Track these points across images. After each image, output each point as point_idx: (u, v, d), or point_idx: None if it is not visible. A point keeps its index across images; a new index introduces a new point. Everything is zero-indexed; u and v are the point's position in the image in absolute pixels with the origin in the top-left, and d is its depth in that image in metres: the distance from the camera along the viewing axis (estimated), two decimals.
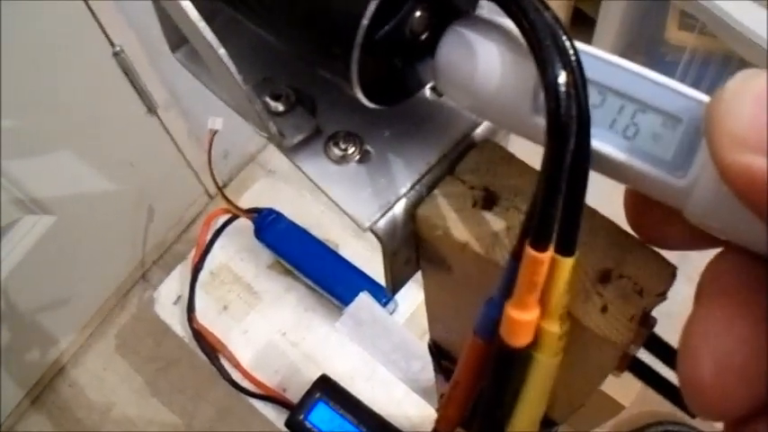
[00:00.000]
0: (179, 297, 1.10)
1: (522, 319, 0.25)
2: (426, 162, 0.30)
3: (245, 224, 1.07)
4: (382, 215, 0.29)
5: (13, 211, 1.25)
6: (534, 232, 0.24)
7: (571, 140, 0.22)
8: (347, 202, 0.29)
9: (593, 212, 0.29)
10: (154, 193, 1.49)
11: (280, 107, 0.30)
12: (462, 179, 0.29)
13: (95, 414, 1.51)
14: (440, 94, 0.31)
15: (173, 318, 1.10)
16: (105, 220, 1.42)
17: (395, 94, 0.28)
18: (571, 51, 0.23)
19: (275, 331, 1.06)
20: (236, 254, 1.11)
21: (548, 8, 0.23)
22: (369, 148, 0.30)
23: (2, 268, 1.26)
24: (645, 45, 1.55)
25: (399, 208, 0.29)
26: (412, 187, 0.29)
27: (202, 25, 0.27)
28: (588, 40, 1.60)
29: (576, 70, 0.23)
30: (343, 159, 0.30)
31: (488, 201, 0.29)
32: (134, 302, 1.58)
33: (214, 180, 1.01)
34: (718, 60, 1.43)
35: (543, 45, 0.22)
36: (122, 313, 1.59)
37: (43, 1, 1.05)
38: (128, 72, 1.25)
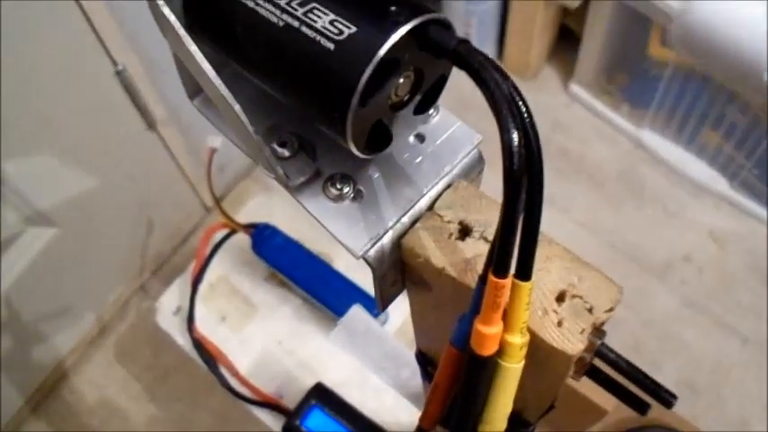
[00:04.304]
0: (179, 308, 1.15)
1: (487, 333, 0.30)
2: (409, 200, 0.35)
3: (242, 238, 1.12)
4: (372, 245, 0.34)
5: (17, 223, 1.30)
6: (495, 263, 0.29)
7: (523, 191, 0.27)
8: (343, 235, 0.34)
9: (551, 241, 0.34)
10: (153, 206, 1.54)
11: (285, 153, 0.35)
12: (440, 214, 0.35)
13: (95, 420, 1.55)
14: (421, 141, 0.36)
15: (173, 328, 1.14)
16: (106, 232, 1.46)
17: (381, 143, 0.34)
18: (526, 116, 0.28)
19: (272, 341, 1.11)
20: (234, 266, 1.15)
21: (507, 78, 0.28)
22: (361, 188, 0.35)
23: (6, 278, 1.31)
24: (629, 61, 1.60)
25: (387, 239, 0.34)
26: (397, 221, 0.35)
27: (219, 83, 0.32)
28: (574, 56, 1.65)
29: (530, 132, 0.28)
30: (339, 198, 0.35)
31: (462, 232, 0.34)
32: (133, 312, 1.62)
33: (214, 197, 1.06)
34: (699, 76, 1.48)
35: (501, 113, 0.27)
36: (121, 323, 1.63)
37: (48, 24, 1.10)
38: (129, 90, 1.30)
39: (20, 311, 1.37)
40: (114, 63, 1.25)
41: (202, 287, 1.14)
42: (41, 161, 1.24)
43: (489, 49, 1.71)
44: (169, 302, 1.16)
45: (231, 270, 1.15)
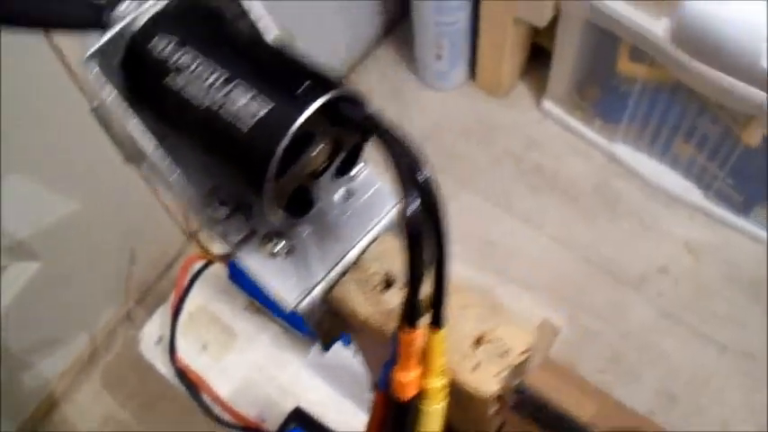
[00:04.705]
0: (161, 337, 1.17)
1: (404, 380, 0.33)
2: (338, 254, 0.38)
3: (220, 268, 1.14)
4: (303, 298, 0.37)
5: (1, 258, 1.32)
6: (404, 317, 0.32)
7: (424, 251, 0.30)
8: (277, 289, 0.37)
9: (468, 290, 0.37)
10: (135, 235, 1.56)
11: (224, 213, 0.38)
12: (366, 267, 0.38)
13: None
14: (349, 196, 0.39)
15: (156, 357, 1.16)
16: (89, 263, 1.48)
17: (304, 207, 0.36)
18: (427, 183, 0.30)
19: (252, 367, 1.13)
20: (214, 296, 1.17)
21: (409, 150, 0.31)
22: (294, 244, 0.38)
23: None
24: (599, 76, 1.63)
25: (317, 292, 0.37)
26: (326, 275, 0.37)
27: (157, 157, 0.35)
28: (546, 73, 1.68)
29: (431, 198, 0.30)
30: (273, 254, 0.38)
31: (386, 284, 0.37)
32: (119, 340, 1.64)
33: (191, 232, 1.08)
34: (668, 90, 1.51)
35: (402, 182, 0.30)
36: (109, 351, 1.65)
37: (23, 60, 1.12)
38: (106, 126, 1.32)
39: (8, 343, 1.39)
40: (90, 100, 1.27)
41: (183, 317, 1.16)
42: (22, 194, 1.26)
43: (461, 69, 1.74)
44: (151, 333, 1.18)
45: (210, 299, 1.17)
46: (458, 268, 1.20)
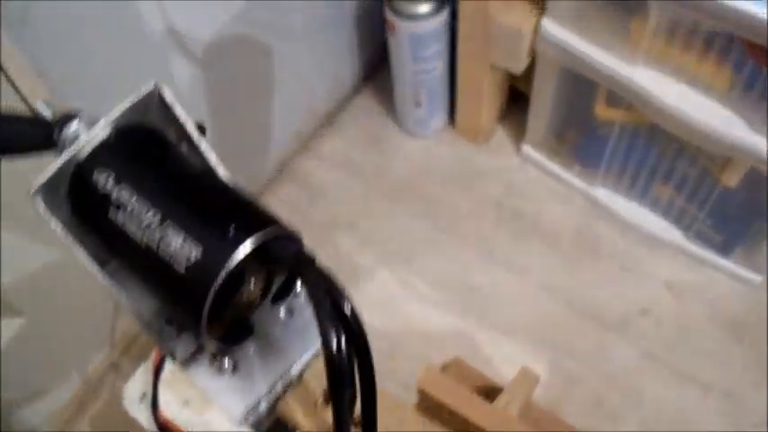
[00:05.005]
0: (144, 394, 1.17)
1: None
2: (281, 370, 0.39)
3: None
4: (249, 414, 0.38)
5: None
6: None
7: (348, 387, 0.31)
8: (225, 403, 0.39)
9: (403, 407, 0.39)
10: None
11: (172, 332, 0.40)
12: (308, 382, 0.39)
13: None
14: (291, 314, 0.41)
15: (140, 413, 1.16)
16: (75, 316, 1.49)
17: (245, 332, 0.38)
18: (350, 320, 0.32)
19: (233, 423, 1.14)
20: None
21: (333, 288, 0.32)
22: (239, 361, 0.40)
23: None
24: (577, 121, 1.64)
25: (262, 406, 0.39)
26: (270, 390, 0.39)
27: (105, 279, 0.36)
28: (525, 117, 1.69)
29: (353, 331, 0.32)
30: (220, 371, 0.39)
31: (327, 399, 0.39)
32: (106, 390, 1.64)
33: None
34: (646, 133, 1.53)
35: (323, 324, 0.31)
36: (95, 401, 1.65)
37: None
38: None
39: None
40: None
41: (164, 374, 1.16)
42: (3, 247, 1.27)
43: (441, 116, 1.76)
44: (135, 389, 1.18)
45: None
46: (439, 315, 1.21)
